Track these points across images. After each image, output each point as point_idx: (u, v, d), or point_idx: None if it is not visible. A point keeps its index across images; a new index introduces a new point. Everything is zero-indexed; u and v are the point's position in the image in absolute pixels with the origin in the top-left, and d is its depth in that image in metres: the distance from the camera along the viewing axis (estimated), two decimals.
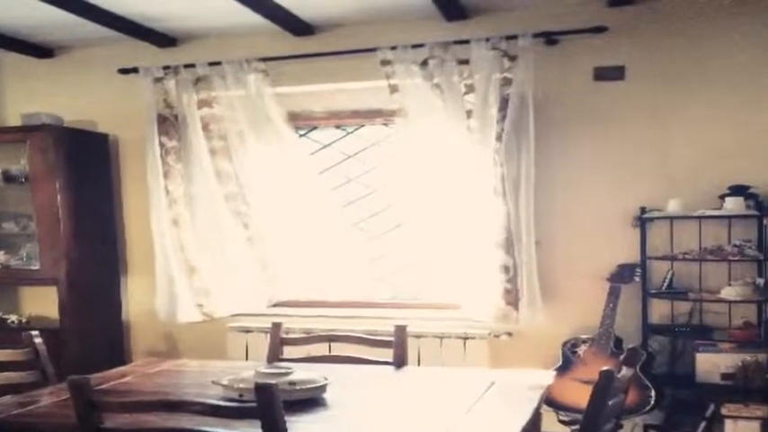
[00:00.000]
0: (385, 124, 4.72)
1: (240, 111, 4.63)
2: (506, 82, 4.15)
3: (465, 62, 4.24)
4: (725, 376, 3.90)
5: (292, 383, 2.58)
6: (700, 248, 4.00)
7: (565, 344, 4.15)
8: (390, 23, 4.50)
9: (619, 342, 4.05)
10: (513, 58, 4.14)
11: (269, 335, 3.53)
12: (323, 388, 2.65)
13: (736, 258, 3.87)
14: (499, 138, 4.15)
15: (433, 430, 2.37)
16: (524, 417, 2.42)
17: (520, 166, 4.18)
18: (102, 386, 2.91)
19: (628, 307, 4.10)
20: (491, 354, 4.37)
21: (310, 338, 3.53)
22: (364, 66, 4.42)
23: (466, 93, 4.25)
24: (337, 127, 4.88)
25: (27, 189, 4.80)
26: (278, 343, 3.44)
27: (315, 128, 4.90)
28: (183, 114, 4.74)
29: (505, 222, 4.20)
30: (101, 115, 5.08)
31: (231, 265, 4.76)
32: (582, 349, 4.06)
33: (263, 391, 1.99)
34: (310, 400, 2.59)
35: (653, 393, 3.82)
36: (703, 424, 3.86)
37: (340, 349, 3.56)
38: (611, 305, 4.02)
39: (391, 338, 3.27)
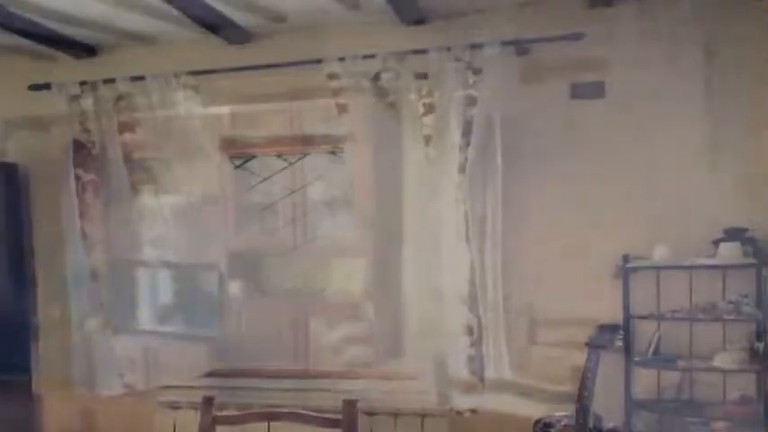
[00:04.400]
0: (332, 152, 5.11)
1: (167, 136, 5.05)
2: (470, 101, 4.48)
3: (423, 76, 4.56)
4: None
5: None
6: (690, 305, 4.30)
7: (537, 422, 4.42)
8: (338, 28, 4.86)
9: (598, 420, 4.31)
10: (477, 72, 4.44)
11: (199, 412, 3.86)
12: None
13: (732, 317, 4.18)
14: (462, 169, 4.49)
15: None
16: None
17: (486, 205, 4.54)
18: None
19: (608, 377, 4.35)
20: None
21: (247, 416, 3.92)
22: (308, 81, 4.78)
23: (424, 114, 4.59)
24: (278, 156, 5.25)
25: None
26: (209, 422, 3.79)
27: (253, 157, 5.31)
28: (102, 141, 5.14)
29: (469, 273, 4.51)
30: (10, 141, 5.49)
31: (157, 325, 5.14)
32: (556, 429, 4.38)
33: None
34: None
35: None
36: None
37: (281, 429, 3.94)
38: (589, 375, 4.20)
39: (339, 416, 3.64)
